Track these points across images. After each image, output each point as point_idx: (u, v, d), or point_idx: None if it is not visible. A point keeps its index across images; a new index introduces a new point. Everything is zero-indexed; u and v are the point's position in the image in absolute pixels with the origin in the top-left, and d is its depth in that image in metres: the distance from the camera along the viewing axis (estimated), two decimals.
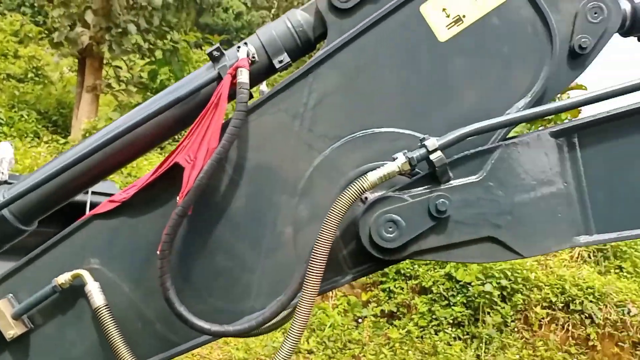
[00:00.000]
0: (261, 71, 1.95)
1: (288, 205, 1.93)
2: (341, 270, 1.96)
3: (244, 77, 1.77)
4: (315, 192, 1.93)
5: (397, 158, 1.74)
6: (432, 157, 1.70)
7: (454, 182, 1.78)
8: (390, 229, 1.75)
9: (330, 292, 8.58)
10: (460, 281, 8.00)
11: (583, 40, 1.83)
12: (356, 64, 1.89)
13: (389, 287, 8.37)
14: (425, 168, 1.78)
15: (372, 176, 1.73)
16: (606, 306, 8.17)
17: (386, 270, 8.37)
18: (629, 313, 8.20)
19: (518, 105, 1.85)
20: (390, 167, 1.73)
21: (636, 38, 2.13)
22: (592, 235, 1.84)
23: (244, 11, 37.49)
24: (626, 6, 1.92)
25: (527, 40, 1.84)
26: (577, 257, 10.31)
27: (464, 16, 1.83)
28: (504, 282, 7.93)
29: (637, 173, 1.85)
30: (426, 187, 1.79)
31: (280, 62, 1.92)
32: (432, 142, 1.69)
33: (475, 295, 7.93)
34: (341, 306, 8.36)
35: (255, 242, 1.94)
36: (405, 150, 1.75)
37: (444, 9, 1.83)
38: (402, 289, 8.35)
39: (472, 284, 7.94)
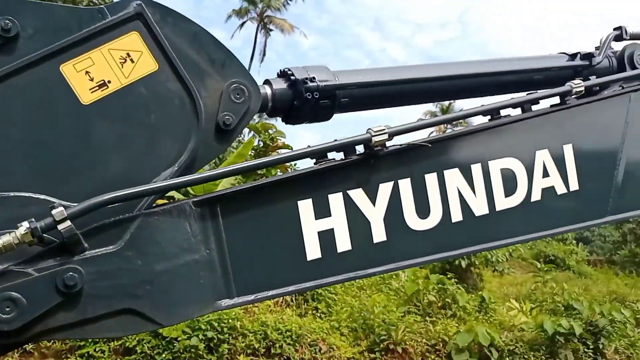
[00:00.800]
0: None
1: None
2: None
3: None
4: None
5: (20, 227, 1.56)
6: (61, 227, 1.58)
7: (89, 253, 1.68)
8: (8, 309, 1.54)
9: None
10: (167, 337, 7.78)
11: (227, 117, 1.98)
12: None
13: (88, 352, 7.59)
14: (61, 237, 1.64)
15: None
16: (302, 347, 8.99)
17: None
18: (320, 351, 9.19)
19: (165, 174, 1.88)
20: (5, 238, 1.53)
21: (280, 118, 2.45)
22: (233, 299, 1.95)
23: None
24: (267, 90, 2.18)
25: (174, 112, 1.90)
26: (282, 302, 11.21)
27: (109, 82, 1.80)
28: (210, 334, 8.02)
29: (271, 241, 2.06)
30: (57, 259, 1.64)
31: None
32: (59, 212, 1.57)
33: (182, 350, 7.80)
34: None
35: None
36: (33, 219, 1.58)
37: (87, 72, 1.77)
38: (103, 352, 7.66)
39: (179, 338, 7.80)
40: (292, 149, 14.34)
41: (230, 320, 8.42)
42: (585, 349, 10.43)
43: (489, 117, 2.68)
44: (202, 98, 1.93)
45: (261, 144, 15.49)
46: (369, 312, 10.70)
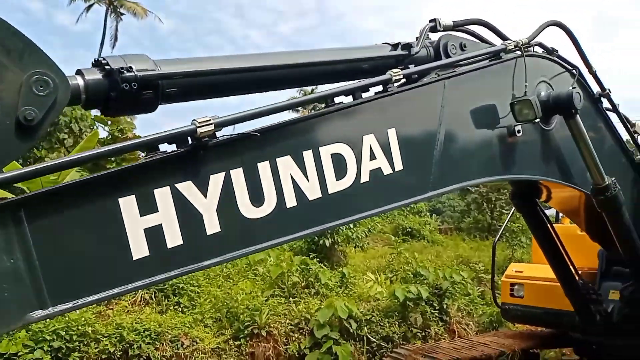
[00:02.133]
0: None
1: None
2: None
3: None
4: None
5: None
6: None
7: None
8: None
9: None
10: (5, 353, 6.98)
11: (28, 112, 1.79)
12: None
13: None
14: None
15: None
16: (162, 344, 8.66)
17: None
18: (182, 346, 8.94)
19: None
20: None
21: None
22: (47, 309, 1.80)
23: None
24: (79, 81, 2.01)
25: None
26: (140, 301, 10.67)
27: None
28: (57, 344, 7.37)
29: (89, 243, 1.93)
30: None
31: None
32: None
33: None
34: None
35: None
36: None
37: None
38: None
39: (20, 353, 7.06)
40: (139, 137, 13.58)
41: (79, 327, 7.80)
42: (432, 310, 11.48)
43: (323, 104, 2.78)
44: None
45: (110, 136, 14.53)
46: (233, 300, 10.63)
